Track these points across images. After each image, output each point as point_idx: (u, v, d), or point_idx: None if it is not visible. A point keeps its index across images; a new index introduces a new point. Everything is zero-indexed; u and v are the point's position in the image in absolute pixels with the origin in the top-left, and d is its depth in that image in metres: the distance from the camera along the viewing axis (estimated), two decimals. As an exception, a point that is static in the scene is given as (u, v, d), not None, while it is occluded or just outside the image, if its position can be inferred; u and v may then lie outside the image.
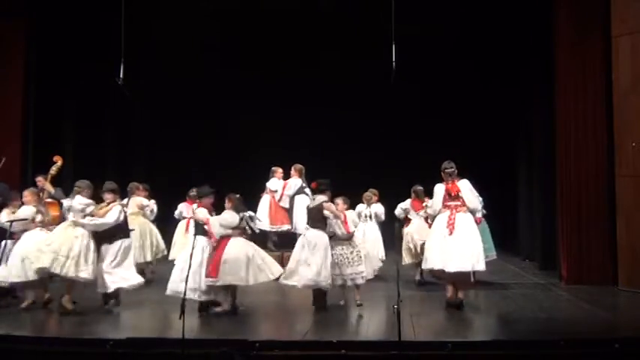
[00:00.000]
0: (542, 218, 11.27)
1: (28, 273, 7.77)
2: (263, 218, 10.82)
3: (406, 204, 10.03)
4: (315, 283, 7.71)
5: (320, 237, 7.81)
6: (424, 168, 11.79)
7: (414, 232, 9.61)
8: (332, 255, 7.82)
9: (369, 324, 7.39)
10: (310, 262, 7.71)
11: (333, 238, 7.92)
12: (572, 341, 6.26)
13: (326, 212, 7.87)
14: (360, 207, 10.39)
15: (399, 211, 10.01)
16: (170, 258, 10.18)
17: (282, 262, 10.49)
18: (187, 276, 6.69)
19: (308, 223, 8.05)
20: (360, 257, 7.92)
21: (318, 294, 7.90)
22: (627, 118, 9.22)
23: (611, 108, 9.42)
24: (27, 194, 8.34)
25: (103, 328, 7.12)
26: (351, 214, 8.20)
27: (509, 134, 13.49)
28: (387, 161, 13.30)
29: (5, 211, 8.28)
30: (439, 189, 7.94)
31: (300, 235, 10.71)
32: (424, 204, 9.86)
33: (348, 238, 7.96)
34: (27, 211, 8.18)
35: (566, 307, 8.22)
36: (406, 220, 9.92)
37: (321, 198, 7.99)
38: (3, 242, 7.96)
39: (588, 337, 6.61)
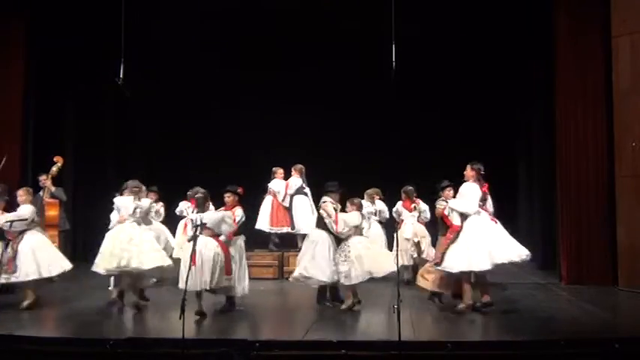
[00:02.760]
0: (542, 218, 11.27)
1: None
2: (265, 219, 10.84)
3: (397, 206, 10.04)
4: (320, 276, 7.86)
5: (318, 234, 8.02)
6: (424, 168, 11.90)
7: (410, 232, 9.65)
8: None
9: (369, 324, 7.39)
10: (312, 256, 7.92)
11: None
12: (572, 341, 6.26)
13: (321, 212, 8.08)
14: (364, 205, 10.35)
15: (395, 215, 10.01)
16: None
17: (283, 261, 10.56)
18: (187, 276, 6.70)
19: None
20: (348, 257, 7.83)
21: (322, 290, 8.05)
22: (627, 118, 9.22)
23: (611, 108, 9.42)
24: (22, 193, 8.16)
25: (103, 328, 7.12)
26: (348, 215, 8.09)
27: (509, 134, 13.48)
28: (386, 162, 13.27)
29: None
30: (475, 189, 7.66)
31: (299, 234, 10.79)
32: (413, 205, 9.91)
33: (342, 236, 8.00)
34: (26, 210, 8.05)
35: (566, 307, 8.23)
36: (400, 222, 9.93)
37: (323, 198, 8.15)
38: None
39: (588, 337, 6.61)
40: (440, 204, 8.00)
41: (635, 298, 8.71)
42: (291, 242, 11.10)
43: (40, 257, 7.88)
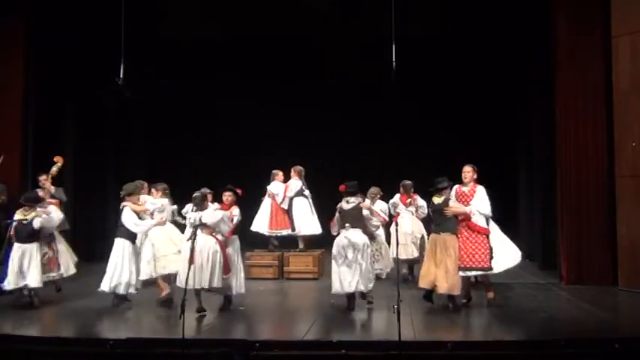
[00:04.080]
0: (542, 218, 11.27)
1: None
2: (264, 222, 10.78)
3: (394, 199, 10.03)
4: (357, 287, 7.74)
5: (363, 238, 7.84)
6: (424, 168, 11.87)
7: (407, 226, 9.65)
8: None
9: (369, 324, 7.39)
10: (357, 266, 7.69)
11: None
12: (572, 341, 6.27)
13: (365, 212, 7.93)
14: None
15: (391, 208, 10.02)
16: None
17: (283, 261, 10.54)
18: (187, 275, 6.71)
19: (346, 225, 7.85)
20: (381, 254, 8.23)
21: (351, 296, 7.89)
22: (627, 118, 9.22)
23: (611, 108, 9.42)
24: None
25: (103, 328, 7.12)
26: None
27: (509, 135, 13.48)
28: (386, 162, 13.27)
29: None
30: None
31: (299, 236, 10.74)
32: (408, 200, 9.93)
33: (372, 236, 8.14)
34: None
35: (566, 307, 8.23)
36: (395, 215, 9.94)
37: (355, 199, 7.96)
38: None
39: (588, 337, 6.61)
40: (455, 203, 7.95)
41: (635, 298, 8.71)
42: (290, 243, 11.06)
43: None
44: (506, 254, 8.00)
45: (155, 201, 8.66)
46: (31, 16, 10.88)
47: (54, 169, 9.57)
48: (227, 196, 7.93)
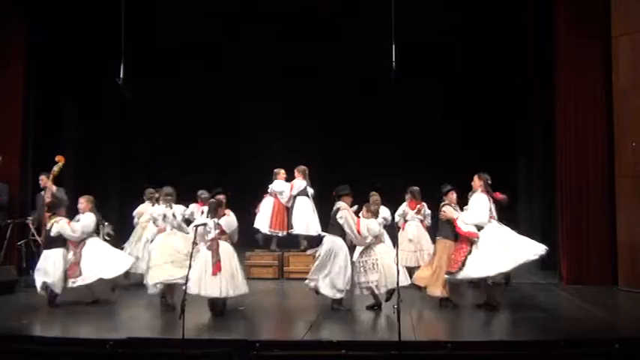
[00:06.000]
0: (542, 218, 11.27)
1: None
2: (265, 221, 10.75)
3: (402, 207, 9.99)
4: (332, 293, 7.82)
5: (334, 242, 7.88)
6: (425, 168, 11.89)
7: (413, 233, 9.63)
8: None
9: (369, 324, 7.39)
10: (328, 271, 7.82)
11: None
12: (572, 341, 6.27)
13: (339, 219, 7.90)
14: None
15: (397, 218, 9.97)
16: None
17: (284, 261, 10.55)
18: (187, 276, 6.70)
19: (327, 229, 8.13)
20: (376, 266, 7.80)
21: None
22: (627, 118, 9.23)
23: (611, 108, 9.43)
24: (83, 201, 8.49)
25: (103, 328, 7.12)
26: (369, 222, 7.97)
27: (509, 135, 13.47)
28: (386, 163, 13.26)
29: (64, 221, 8.34)
30: (484, 199, 7.92)
31: (299, 235, 10.75)
32: (417, 206, 9.89)
33: (365, 245, 7.92)
34: (90, 219, 8.38)
35: (566, 307, 8.24)
36: (403, 222, 9.89)
37: (338, 204, 8.02)
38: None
39: (588, 337, 6.61)
40: (447, 209, 8.01)
41: (635, 298, 8.71)
42: (291, 243, 11.03)
43: (101, 261, 8.26)
44: (502, 256, 7.64)
45: (155, 209, 8.57)
46: (31, 17, 10.87)
47: (55, 169, 9.56)
48: (222, 200, 7.88)
